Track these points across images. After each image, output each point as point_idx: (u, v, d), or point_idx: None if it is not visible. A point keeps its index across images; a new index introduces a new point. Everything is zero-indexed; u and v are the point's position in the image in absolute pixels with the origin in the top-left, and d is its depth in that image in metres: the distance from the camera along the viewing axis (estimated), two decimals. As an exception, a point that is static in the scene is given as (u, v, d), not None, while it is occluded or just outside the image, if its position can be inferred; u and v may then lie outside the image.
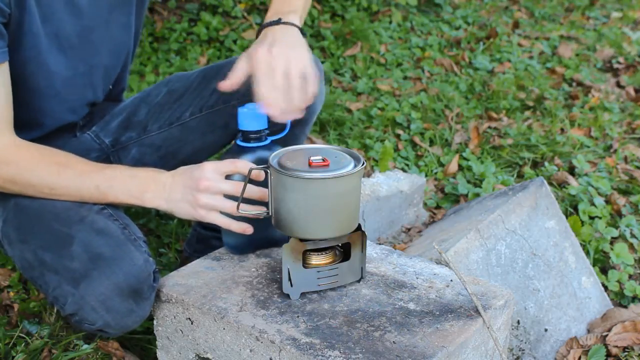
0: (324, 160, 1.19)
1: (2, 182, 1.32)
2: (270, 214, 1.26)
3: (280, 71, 1.25)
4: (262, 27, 1.37)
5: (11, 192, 1.34)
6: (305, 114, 1.51)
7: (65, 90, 1.44)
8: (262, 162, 1.28)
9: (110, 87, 1.60)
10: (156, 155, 1.60)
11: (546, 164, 2.47)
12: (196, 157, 1.58)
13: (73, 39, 1.39)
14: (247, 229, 1.30)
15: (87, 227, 1.29)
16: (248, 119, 1.32)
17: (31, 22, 1.30)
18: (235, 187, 1.27)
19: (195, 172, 1.27)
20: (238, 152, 1.33)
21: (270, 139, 1.35)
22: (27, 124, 1.42)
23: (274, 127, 1.41)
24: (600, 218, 2.12)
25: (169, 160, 1.57)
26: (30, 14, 1.29)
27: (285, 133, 1.38)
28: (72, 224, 1.30)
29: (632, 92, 3.24)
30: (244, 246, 1.40)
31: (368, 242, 1.35)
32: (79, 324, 1.29)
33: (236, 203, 1.26)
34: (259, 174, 1.26)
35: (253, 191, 1.27)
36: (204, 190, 1.26)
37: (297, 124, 1.45)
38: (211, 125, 1.60)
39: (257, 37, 1.37)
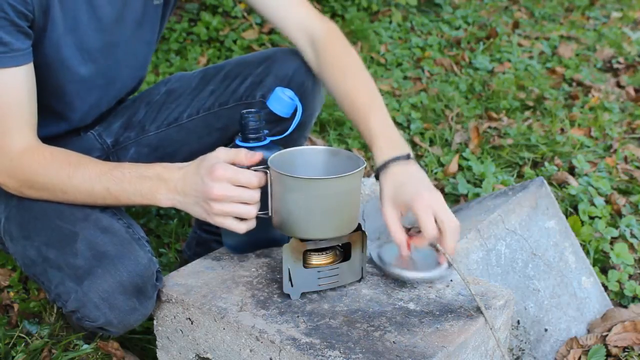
0: None
1: (19, 186, 1.31)
2: (270, 214, 1.26)
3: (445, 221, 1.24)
4: (389, 160, 1.31)
5: (30, 197, 1.32)
6: (305, 115, 1.51)
7: (79, 100, 1.45)
8: (261, 162, 1.27)
9: (123, 96, 1.61)
10: (153, 156, 1.59)
11: (546, 164, 2.47)
12: (193, 159, 1.58)
13: (95, 53, 1.40)
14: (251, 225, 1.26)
15: (91, 224, 1.29)
16: (278, 102, 1.32)
17: (52, 31, 1.30)
18: (249, 193, 1.22)
19: (207, 179, 1.20)
20: (237, 152, 1.33)
21: (269, 139, 1.35)
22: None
23: (274, 128, 1.41)
24: (600, 218, 2.12)
25: (166, 162, 1.57)
26: (53, 23, 1.29)
27: (286, 135, 1.38)
28: (77, 222, 1.29)
29: (632, 92, 3.24)
30: (244, 246, 1.40)
31: (368, 242, 1.35)
32: (81, 321, 1.29)
33: (251, 207, 1.22)
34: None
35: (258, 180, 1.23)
36: (218, 199, 1.20)
37: (297, 127, 1.45)
38: (208, 128, 1.59)
39: (380, 169, 1.32)
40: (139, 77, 1.59)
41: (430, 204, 1.24)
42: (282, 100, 1.33)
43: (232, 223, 1.23)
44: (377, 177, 1.33)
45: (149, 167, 1.28)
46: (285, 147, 1.30)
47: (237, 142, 1.34)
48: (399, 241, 1.28)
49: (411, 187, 1.27)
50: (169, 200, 1.26)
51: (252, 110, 1.32)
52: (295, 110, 1.38)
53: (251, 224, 1.25)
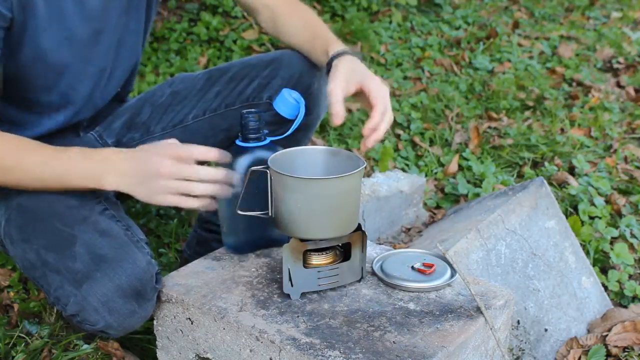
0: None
1: None
2: (270, 214, 1.26)
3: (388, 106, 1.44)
4: (339, 53, 1.46)
5: None
6: (310, 119, 1.51)
7: (72, 90, 1.45)
8: (261, 162, 1.28)
9: (119, 89, 1.61)
10: None
11: (546, 164, 2.47)
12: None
13: (83, 41, 1.40)
14: (209, 205, 1.27)
15: (90, 227, 1.29)
16: (284, 103, 1.34)
17: (36, 26, 1.30)
18: (192, 169, 1.24)
19: (155, 157, 1.23)
20: (237, 152, 1.33)
21: (269, 139, 1.35)
22: (28, 122, 1.42)
23: (280, 129, 1.41)
24: (600, 218, 2.12)
25: None
26: (36, 17, 1.29)
27: (286, 135, 1.38)
28: (75, 225, 1.29)
29: (632, 92, 3.24)
30: (244, 246, 1.40)
31: (368, 242, 1.35)
32: (81, 324, 1.29)
33: (194, 184, 1.23)
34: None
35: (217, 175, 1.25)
36: (163, 176, 1.22)
37: (301, 129, 1.45)
38: (214, 129, 1.59)
39: (335, 57, 1.45)
40: (129, 67, 1.58)
41: (381, 88, 1.42)
42: (287, 102, 1.34)
43: (178, 199, 1.24)
44: (329, 66, 1.44)
45: (98, 151, 1.30)
46: (286, 147, 1.30)
47: (237, 142, 1.34)
48: (336, 109, 1.37)
49: (365, 72, 1.44)
50: (114, 182, 1.26)
51: (252, 110, 1.33)
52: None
53: (202, 202, 1.25)
